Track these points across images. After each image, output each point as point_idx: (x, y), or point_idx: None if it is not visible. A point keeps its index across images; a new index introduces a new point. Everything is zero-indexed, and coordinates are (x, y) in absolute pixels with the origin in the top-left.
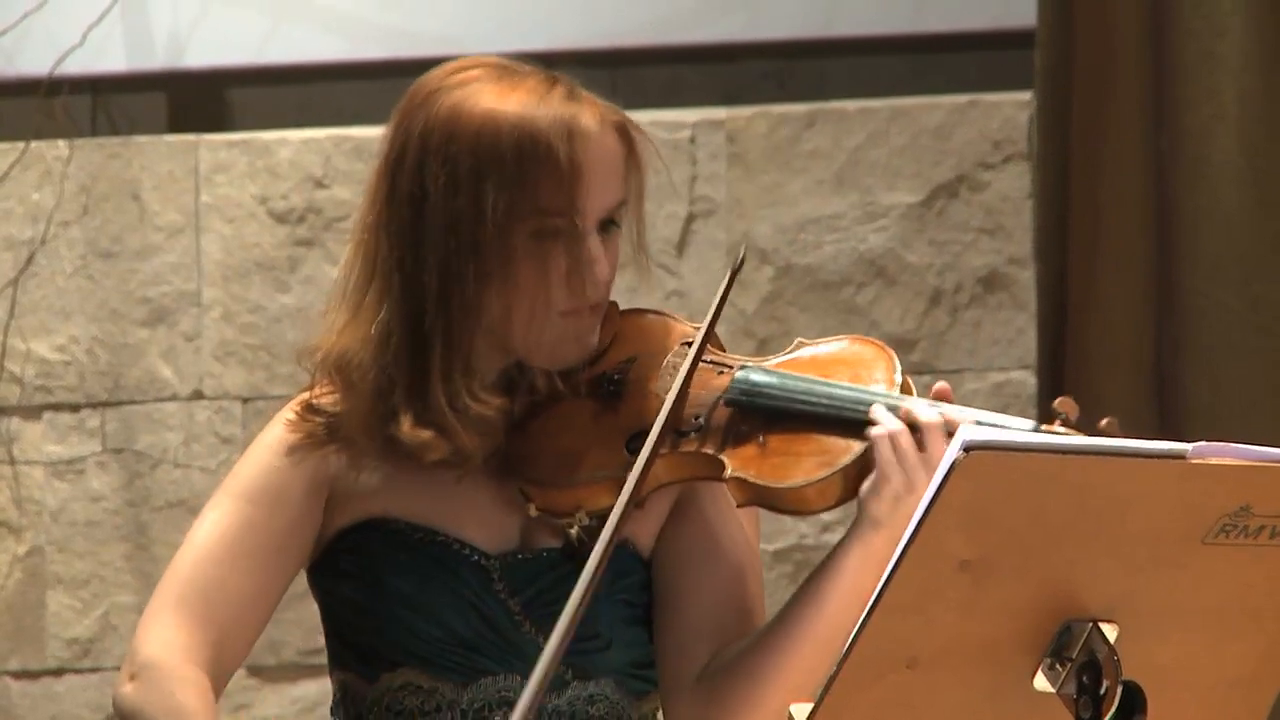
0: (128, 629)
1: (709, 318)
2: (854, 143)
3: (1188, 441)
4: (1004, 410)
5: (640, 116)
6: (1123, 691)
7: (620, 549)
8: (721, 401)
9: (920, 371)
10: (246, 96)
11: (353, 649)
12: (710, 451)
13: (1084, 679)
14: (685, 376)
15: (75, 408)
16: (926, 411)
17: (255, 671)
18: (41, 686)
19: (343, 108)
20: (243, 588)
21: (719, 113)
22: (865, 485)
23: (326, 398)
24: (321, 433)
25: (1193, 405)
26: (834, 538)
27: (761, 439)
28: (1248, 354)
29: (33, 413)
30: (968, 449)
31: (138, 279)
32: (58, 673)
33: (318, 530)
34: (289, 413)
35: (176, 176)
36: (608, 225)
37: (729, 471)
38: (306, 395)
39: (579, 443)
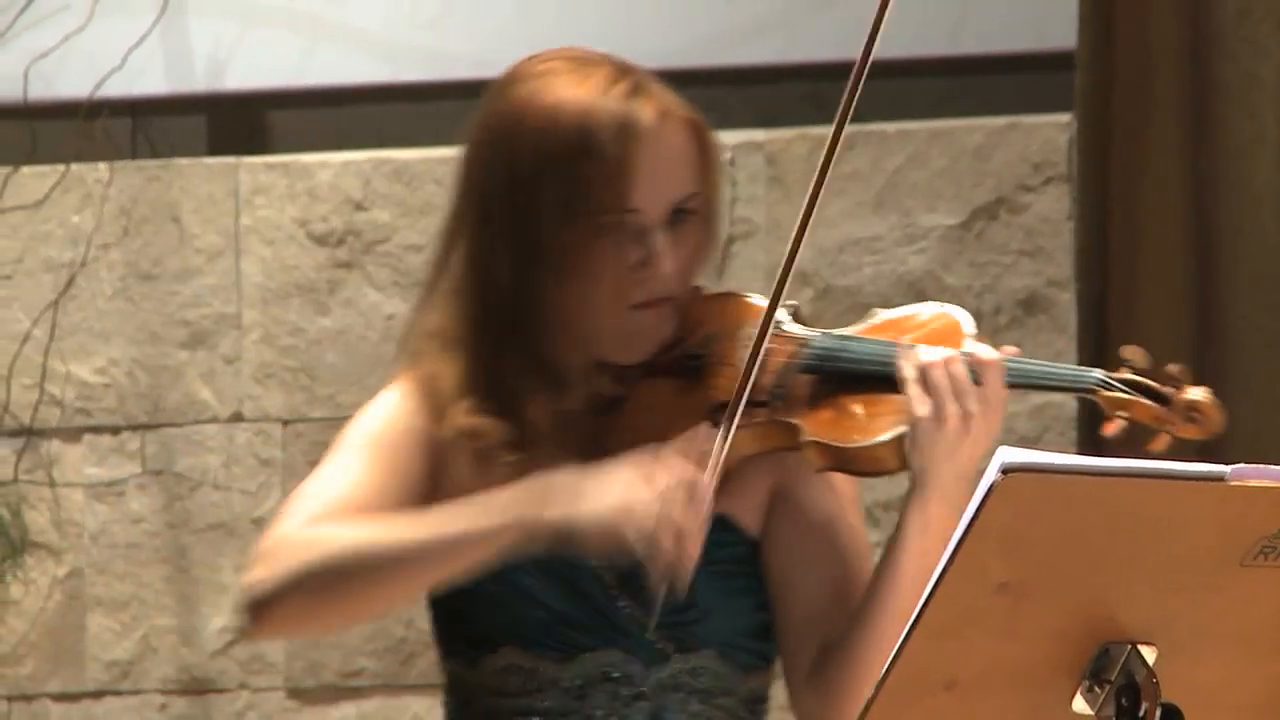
0: (167, 651)
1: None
2: (893, 165)
3: (1227, 463)
4: (1044, 433)
5: None
6: (1162, 714)
7: (718, 521)
8: (798, 369)
9: None
10: (285, 119)
11: (458, 635)
12: (787, 419)
13: (1123, 701)
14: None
15: (115, 430)
16: (975, 349)
17: (294, 693)
18: (81, 709)
19: (381, 130)
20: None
21: (758, 135)
22: (908, 442)
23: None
24: (428, 405)
25: (1232, 426)
26: None
27: (838, 403)
28: None
29: (73, 435)
30: (1006, 471)
31: (177, 301)
32: (97, 695)
33: (425, 490)
34: (394, 390)
35: (216, 199)
36: (680, 216)
37: (805, 436)
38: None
39: (662, 421)
